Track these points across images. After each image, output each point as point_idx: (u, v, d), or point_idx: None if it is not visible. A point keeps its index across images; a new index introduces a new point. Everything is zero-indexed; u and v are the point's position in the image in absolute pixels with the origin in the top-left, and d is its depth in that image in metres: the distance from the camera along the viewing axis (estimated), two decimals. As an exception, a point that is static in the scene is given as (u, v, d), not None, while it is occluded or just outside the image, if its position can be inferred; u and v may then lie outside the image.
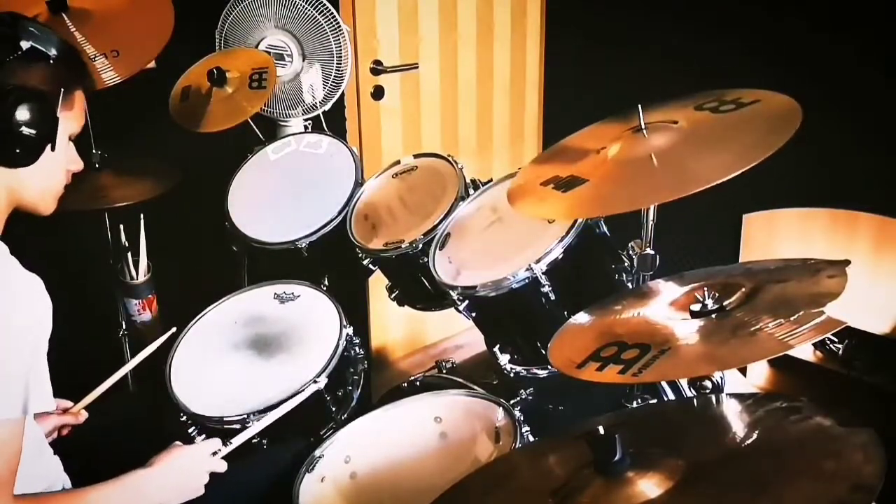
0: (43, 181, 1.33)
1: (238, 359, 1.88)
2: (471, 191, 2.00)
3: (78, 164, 1.39)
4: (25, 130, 1.24)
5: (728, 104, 1.57)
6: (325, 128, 2.49)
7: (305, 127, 2.57)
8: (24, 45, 1.24)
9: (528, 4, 3.13)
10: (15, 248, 1.27)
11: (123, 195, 2.22)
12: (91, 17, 2.13)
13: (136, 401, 2.07)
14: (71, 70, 1.33)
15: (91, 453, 1.51)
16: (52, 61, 1.27)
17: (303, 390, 1.69)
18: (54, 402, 1.28)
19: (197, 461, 1.45)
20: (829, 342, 2.59)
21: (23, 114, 1.24)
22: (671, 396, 1.74)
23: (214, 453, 1.48)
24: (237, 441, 1.54)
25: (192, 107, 2.31)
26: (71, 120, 1.34)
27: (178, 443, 1.47)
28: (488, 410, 1.64)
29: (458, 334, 3.11)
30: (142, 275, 2.44)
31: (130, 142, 2.37)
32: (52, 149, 1.30)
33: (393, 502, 1.57)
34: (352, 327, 1.90)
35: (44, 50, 1.26)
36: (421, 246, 1.92)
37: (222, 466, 1.48)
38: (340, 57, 2.46)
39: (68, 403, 1.67)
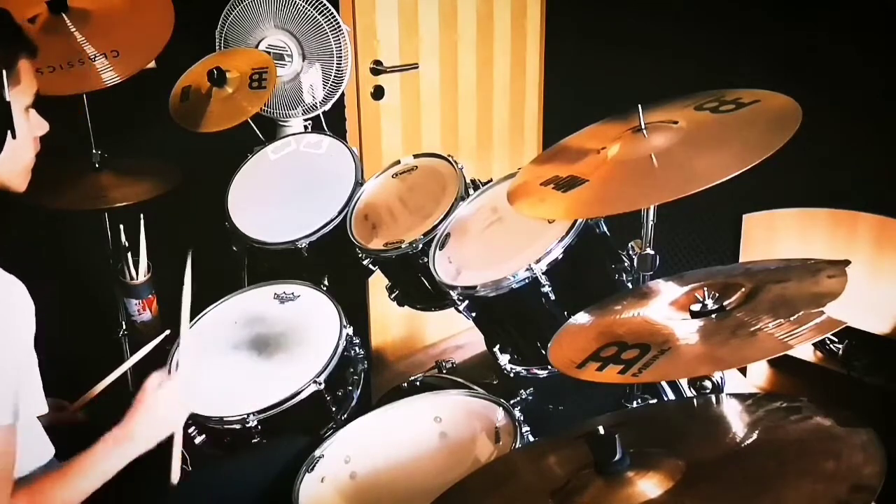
0: (11, 162, 1.26)
1: (238, 359, 1.88)
2: (471, 191, 2.00)
3: (43, 127, 1.31)
4: None
5: (728, 104, 1.57)
6: (325, 128, 2.49)
7: (305, 127, 2.56)
8: None
9: (528, 4, 3.13)
10: (15, 249, 1.26)
11: (123, 195, 2.22)
12: (91, 18, 2.13)
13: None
14: (8, 45, 1.21)
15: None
16: None
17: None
18: (45, 405, 1.26)
19: (161, 402, 1.44)
20: (829, 342, 2.58)
21: None
22: (671, 396, 1.74)
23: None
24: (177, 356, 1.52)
25: (192, 107, 2.31)
26: (22, 94, 1.24)
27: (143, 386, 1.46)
28: (488, 410, 1.64)
29: (458, 334, 3.11)
30: (142, 275, 2.43)
31: (130, 142, 2.37)
32: (14, 136, 1.23)
33: (393, 502, 1.57)
34: (352, 327, 1.90)
35: None
36: (421, 246, 1.92)
37: (176, 385, 1.47)
38: (340, 57, 2.46)
39: (65, 404, 1.66)
